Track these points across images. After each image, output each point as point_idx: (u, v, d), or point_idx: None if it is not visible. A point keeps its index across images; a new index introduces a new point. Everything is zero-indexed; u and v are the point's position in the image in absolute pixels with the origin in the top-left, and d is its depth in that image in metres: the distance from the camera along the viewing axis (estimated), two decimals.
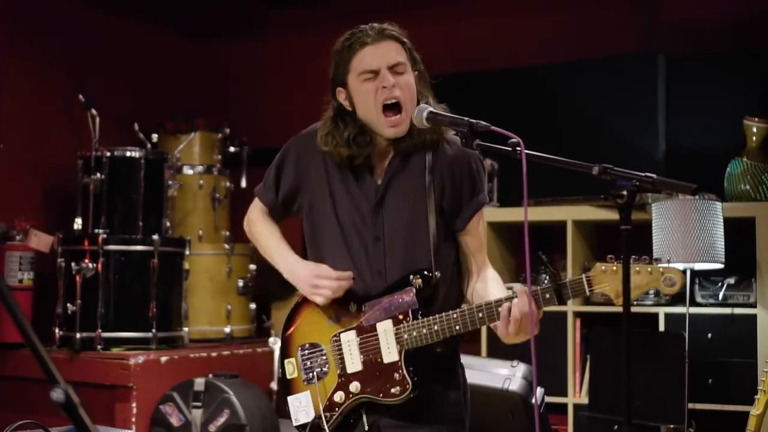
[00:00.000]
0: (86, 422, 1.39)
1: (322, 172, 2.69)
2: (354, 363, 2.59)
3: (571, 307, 4.78)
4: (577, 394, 4.76)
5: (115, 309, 5.03)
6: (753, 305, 4.39)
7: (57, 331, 5.03)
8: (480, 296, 2.62)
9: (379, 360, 2.55)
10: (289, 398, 2.69)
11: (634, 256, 2.29)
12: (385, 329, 2.55)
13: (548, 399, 4.37)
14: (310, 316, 2.70)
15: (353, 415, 2.62)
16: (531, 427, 3.92)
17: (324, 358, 2.65)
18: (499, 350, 4.65)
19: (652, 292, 4.62)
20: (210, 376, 4.93)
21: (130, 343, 5.04)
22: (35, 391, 4.49)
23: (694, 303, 4.45)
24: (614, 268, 2.36)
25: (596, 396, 4.44)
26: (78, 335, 4.95)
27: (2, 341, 5.00)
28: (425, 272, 2.56)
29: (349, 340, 2.60)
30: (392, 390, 2.53)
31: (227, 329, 5.65)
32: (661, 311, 4.55)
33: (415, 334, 2.51)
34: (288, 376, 2.71)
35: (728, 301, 4.46)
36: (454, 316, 2.48)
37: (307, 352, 2.68)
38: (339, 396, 2.60)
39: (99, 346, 4.95)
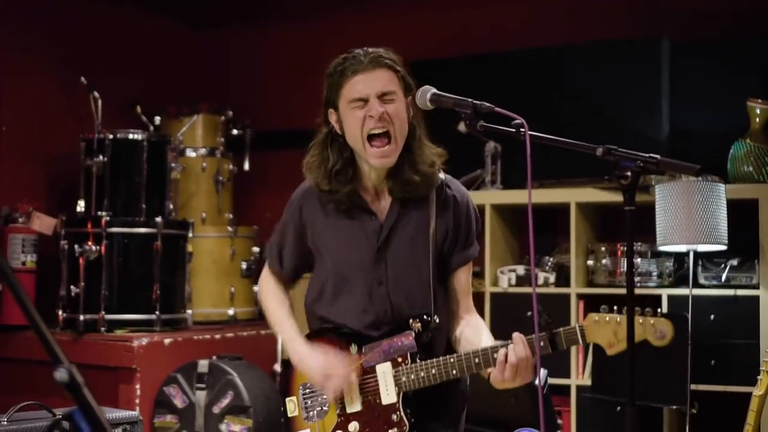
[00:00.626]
0: (90, 402, 1.40)
1: (321, 218, 2.69)
2: (353, 403, 2.62)
3: (574, 289, 4.78)
4: (580, 376, 4.77)
5: (118, 291, 5.04)
6: (756, 287, 4.39)
7: (60, 313, 5.04)
8: (470, 342, 2.64)
9: (378, 401, 2.59)
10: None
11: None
12: (384, 371, 2.58)
13: (551, 381, 4.37)
14: None
15: None
16: (534, 410, 3.93)
17: (324, 397, 2.68)
18: (503, 333, 4.65)
19: (655, 273, 4.63)
20: (214, 357, 4.94)
21: (134, 325, 5.05)
22: (39, 373, 4.47)
23: (697, 284, 4.45)
24: (607, 319, 2.42)
25: (599, 378, 4.45)
26: (81, 317, 4.96)
27: (6, 323, 5.02)
28: (425, 317, 2.59)
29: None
30: (389, 431, 2.56)
31: (231, 311, 5.66)
32: (664, 293, 4.55)
33: (413, 377, 2.54)
34: (289, 414, 2.75)
35: (731, 282, 4.46)
36: (451, 360, 2.51)
37: (308, 391, 2.73)
38: None
39: (102, 328, 4.96)
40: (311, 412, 2.70)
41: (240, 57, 6.60)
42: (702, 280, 4.51)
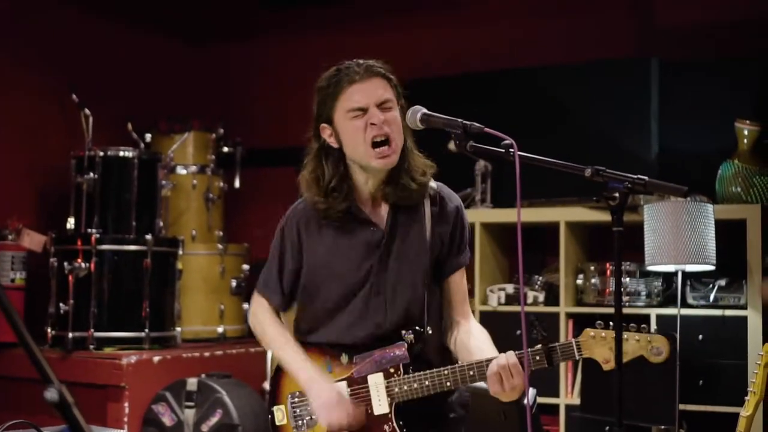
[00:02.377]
0: (80, 422, 1.40)
1: (316, 237, 2.69)
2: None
3: (564, 308, 4.79)
4: (569, 395, 4.77)
5: (107, 309, 5.03)
6: (743, 307, 4.40)
7: (49, 330, 5.03)
8: (469, 350, 2.65)
9: (370, 411, 2.59)
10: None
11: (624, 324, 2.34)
12: (376, 382, 2.59)
13: (540, 400, 4.38)
14: None
15: None
16: (523, 428, 3.93)
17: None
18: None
19: (643, 293, 4.64)
20: (203, 375, 4.93)
21: (123, 343, 5.03)
22: (28, 391, 4.48)
23: (685, 304, 4.46)
24: (603, 334, 2.44)
25: (588, 397, 4.45)
26: (70, 335, 4.94)
27: None
28: (417, 328, 2.60)
29: (340, 390, 2.62)
30: None
31: (220, 329, 5.65)
32: (653, 312, 4.57)
33: (405, 388, 2.55)
34: (277, 423, 2.73)
35: (719, 302, 4.48)
36: (446, 372, 2.52)
37: (297, 400, 2.71)
38: None
39: (91, 346, 4.95)
40: (300, 422, 2.68)
41: (232, 74, 6.61)
42: (690, 300, 4.52)
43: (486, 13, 5.83)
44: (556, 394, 4.76)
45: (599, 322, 2.44)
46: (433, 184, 2.72)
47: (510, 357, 2.44)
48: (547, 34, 5.62)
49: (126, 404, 4.82)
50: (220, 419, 4.76)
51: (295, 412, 2.69)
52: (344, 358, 2.64)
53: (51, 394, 1.38)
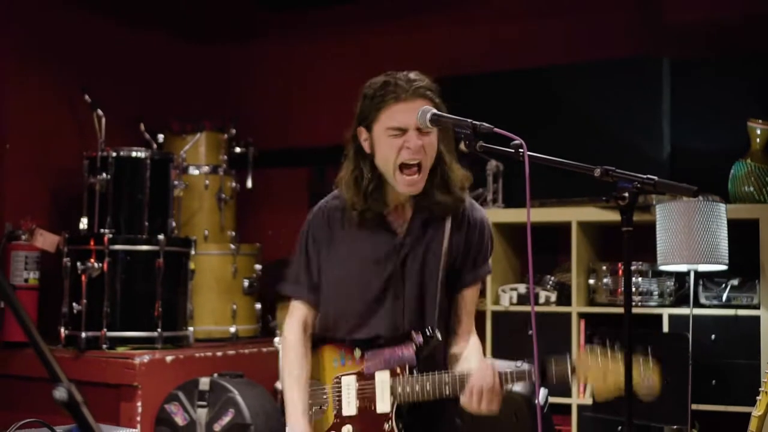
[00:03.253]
0: (89, 420, 1.40)
1: (339, 230, 2.72)
2: (350, 407, 2.67)
3: (575, 307, 4.79)
4: (581, 395, 4.77)
5: (120, 308, 5.04)
6: (756, 307, 4.39)
7: (62, 330, 5.04)
8: (467, 361, 2.70)
9: (373, 408, 2.63)
10: (287, 428, 2.73)
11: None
12: (383, 380, 2.62)
13: (552, 400, 4.37)
14: (324, 351, 2.77)
15: None
16: (535, 429, 3.93)
17: (324, 397, 2.73)
18: (504, 351, 4.66)
19: (656, 292, 4.63)
20: (215, 375, 4.94)
21: (136, 343, 5.05)
22: (41, 390, 4.49)
23: (697, 304, 4.45)
24: (599, 361, 2.41)
25: None
26: (83, 334, 4.96)
27: (7, 340, 5.02)
28: (427, 331, 2.62)
29: (349, 384, 2.68)
30: None
31: (232, 329, 5.66)
32: (665, 312, 4.56)
33: (408, 389, 2.58)
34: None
35: (732, 302, 4.47)
36: (446, 379, 2.55)
37: (310, 388, 2.76)
38: None
39: (104, 346, 4.97)
40: (310, 411, 2.73)
41: (244, 74, 6.63)
42: (703, 300, 4.51)
43: (495, 13, 5.82)
44: (569, 394, 4.75)
45: (597, 340, 2.42)
46: (466, 197, 2.74)
47: (491, 381, 2.46)
48: (557, 33, 5.61)
49: (139, 404, 4.84)
50: (232, 419, 4.77)
51: (310, 399, 2.74)
52: (357, 353, 2.68)
53: (60, 392, 1.39)
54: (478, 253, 2.73)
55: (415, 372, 2.59)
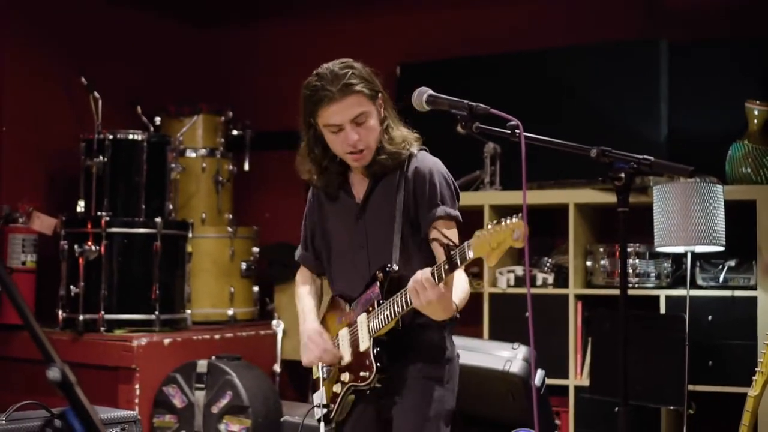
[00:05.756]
0: (83, 401, 1.41)
1: (324, 201, 2.96)
2: (346, 355, 2.82)
3: (573, 289, 4.79)
4: (578, 376, 4.78)
5: (118, 291, 5.05)
6: (753, 288, 4.40)
7: (60, 313, 5.06)
8: None
9: (359, 349, 2.76)
10: (314, 395, 2.93)
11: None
12: (361, 321, 2.77)
13: (549, 381, 4.39)
14: (327, 319, 2.97)
15: (350, 402, 2.86)
16: (531, 409, 3.94)
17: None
18: (501, 333, 4.67)
19: (653, 274, 4.64)
20: (213, 358, 4.95)
21: (133, 325, 5.06)
22: (38, 372, 4.49)
23: (694, 285, 4.46)
24: (485, 232, 2.34)
25: (597, 378, 4.45)
26: (81, 317, 4.97)
27: (5, 322, 5.03)
28: (386, 267, 2.74)
29: (343, 335, 2.86)
30: (362, 374, 2.74)
31: (230, 312, 5.67)
32: (662, 294, 4.56)
33: (377, 320, 2.70)
34: (314, 376, 2.98)
35: (729, 283, 4.48)
36: (398, 297, 2.62)
37: None
38: (337, 387, 2.86)
39: (102, 328, 4.98)
40: (324, 370, 2.91)
41: (240, 56, 6.61)
42: (700, 281, 4.52)
43: None
44: (566, 376, 4.77)
45: (488, 223, 2.38)
46: (414, 151, 2.81)
47: (424, 272, 2.50)
48: (554, 15, 5.59)
49: (137, 386, 4.86)
50: (230, 401, 4.79)
51: (321, 366, 2.91)
52: (347, 308, 2.87)
53: (53, 373, 1.39)
54: (430, 197, 2.78)
55: (382, 303, 2.69)
